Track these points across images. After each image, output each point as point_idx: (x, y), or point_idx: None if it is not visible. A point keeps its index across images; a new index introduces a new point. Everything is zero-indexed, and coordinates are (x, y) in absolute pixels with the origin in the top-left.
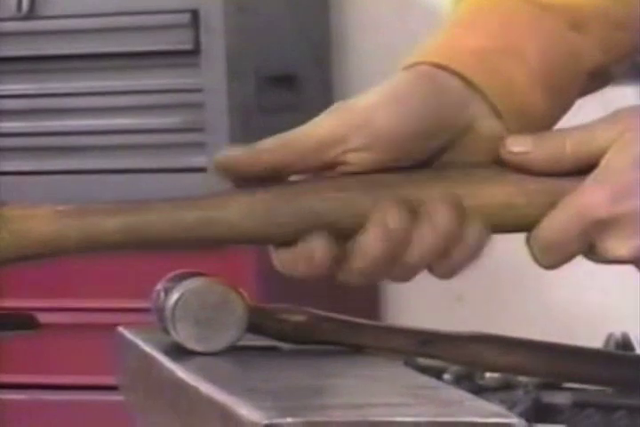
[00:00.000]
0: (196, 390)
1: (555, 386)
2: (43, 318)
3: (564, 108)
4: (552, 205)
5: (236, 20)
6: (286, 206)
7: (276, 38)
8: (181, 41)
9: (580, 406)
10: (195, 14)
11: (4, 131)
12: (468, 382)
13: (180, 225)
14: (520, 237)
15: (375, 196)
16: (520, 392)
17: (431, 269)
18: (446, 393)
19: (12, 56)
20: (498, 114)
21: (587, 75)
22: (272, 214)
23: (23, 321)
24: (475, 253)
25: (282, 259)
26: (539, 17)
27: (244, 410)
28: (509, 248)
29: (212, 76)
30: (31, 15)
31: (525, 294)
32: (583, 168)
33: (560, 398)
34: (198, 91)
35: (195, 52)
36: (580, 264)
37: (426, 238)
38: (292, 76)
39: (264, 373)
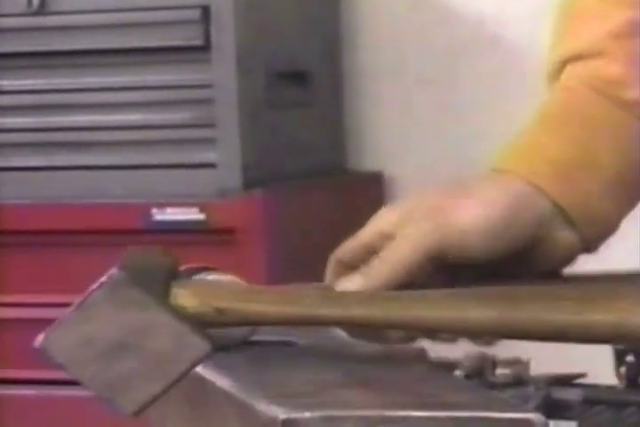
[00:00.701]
0: (213, 386)
1: (565, 382)
2: (43, 313)
3: (634, 205)
4: None
5: (246, 15)
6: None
7: (286, 34)
8: (192, 37)
9: (590, 402)
10: (205, 10)
11: (13, 126)
12: (479, 378)
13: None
14: None
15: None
16: (531, 388)
17: None
18: (463, 389)
19: (23, 51)
20: (573, 224)
21: None
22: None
23: None
24: None
25: None
26: (615, 116)
27: (262, 405)
28: None
29: (222, 71)
30: (41, 11)
31: None
32: None
33: (571, 395)
34: (208, 86)
35: (205, 47)
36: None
37: None
38: (303, 71)
39: (280, 368)
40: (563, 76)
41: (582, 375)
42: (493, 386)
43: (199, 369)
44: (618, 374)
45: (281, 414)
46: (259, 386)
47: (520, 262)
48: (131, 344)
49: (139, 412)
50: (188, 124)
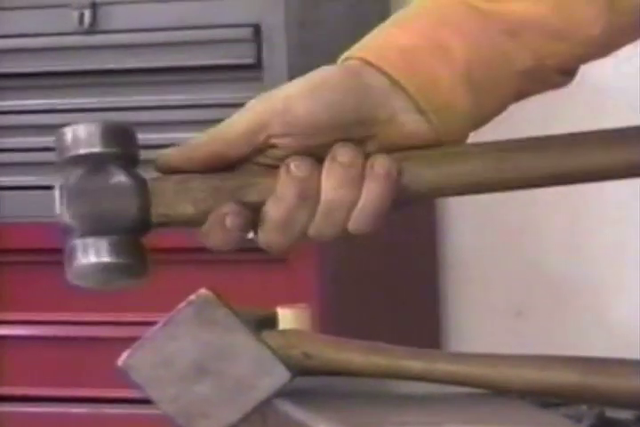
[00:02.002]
0: (274, 407)
1: None
2: (51, 331)
3: (495, 107)
4: None
5: (297, 34)
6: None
7: (336, 53)
8: (243, 55)
9: None
10: (256, 29)
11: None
12: (531, 396)
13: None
14: (580, 252)
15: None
16: (584, 407)
17: (351, 220)
18: (514, 408)
19: (75, 70)
20: (421, 110)
21: (518, 76)
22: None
23: None
24: (387, 185)
25: (201, 234)
26: (471, 19)
27: (322, 426)
28: (569, 263)
29: (273, 89)
30: (93, 29)
31: (585, 310)
32: None
33: (624, 414)
34: None
35: (257, 66)
36: None
37: (333, 173)
38: None
39: (338, 388)
40: None
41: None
42: (546, 405)
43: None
44: None
45: None
46: (319, 408)
47: (371, 141)
48: (211, 367)
49: None
50: None
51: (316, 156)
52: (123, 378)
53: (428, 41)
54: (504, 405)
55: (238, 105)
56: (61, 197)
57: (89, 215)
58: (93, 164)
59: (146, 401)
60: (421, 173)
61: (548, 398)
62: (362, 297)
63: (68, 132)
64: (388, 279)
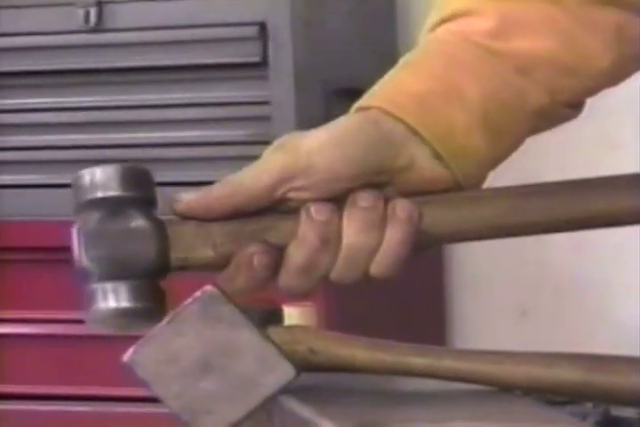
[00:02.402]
0: (279, 404)
1: None
2: (51, 329)
3: (511, 145)
4: None
5: (303, 32)
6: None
7: (343, 51)
8: (249, 53)
9: None
10: (262, 27)
11: (70, 143)
12: (537, 394)
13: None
14: (584, 252)
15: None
16: (589, 405)
17: (373, 264)
18: (520, 405)
19: (80, 69)
20: (438, 155)
21: (533, 115)
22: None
23: None
24: (409, 229)
25: (223, 279)
26: (483, 60)
27: (327, 424)
28: (573, 262)
29: (279, 88)
30: (98, 28)
31: (589, 309)
32: None
33: (628, 412)
34: (266, 103)
35: (262, 64)
36: None
37: (355, 218)
38: (360, 88)
39: (343, 385)
40: (435, 33)
41: None
42: (552, 403)
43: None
44: None
45: None
46: (324, 404)
47: (390, 187)
48: (216, 363)
49: None
50: (246, 142)
51: (336, 200)
52: (127, 375)
53: (441, 84)
54: (510, 402)
55: (244, 103)
56: (79, 240)
57: (107, 259)
58: (112, 207)
59: (148, 399)
60: (442, 217)
61: (553, 396)
62: (367, 296)
63: (86, 175)
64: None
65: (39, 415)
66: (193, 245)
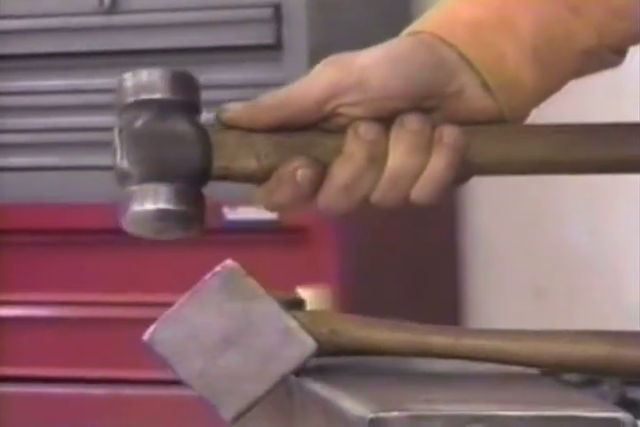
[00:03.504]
0: (298, 385)
1: (639, 382)
2: (61, 311)
3: (556, 84)
4: None
5: (318, 14)
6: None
7: (357, 32)
8: (263, 35)
9: None
10: (277, 8)
11: (88, 125)
12: (555, 377)
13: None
14: (599, 233)
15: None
16: (606, 387)
17: (415, 188)
18: (548, 388)
19: (95, 51)
20: (487, 86)
21: (581, 55)
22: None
23: None
24: (454, 155)
25: (264, 191)
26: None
27: (348, 404)
28: (588, 244)
29: (294, 70)
30: (113, 10)
31: (603, 290)
32: None
33: None
34: (280, 85)
35: (277, 46)
36: None
37: (402, 139)
38: None
39: (364, 367)
40: None
41: None
42: (568, 386)
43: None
44: None
45: (369, 413)
46: (344, 385)
47: (437, 113)
48: (237, 338)
49: (237, 418)
50: None
51: (384, 121)
52: (147, 355)
53: (495, 14)
54: (530, 383)
55: (259, 85)
56: (121, 141)
57: (150, 160)
58: (157, 109)
59: (160, 382)
60: (487, 149)
61: (577, 372)
62: (381, 278)
63: (132, 77)
64: (408, 260)
65: (51, 398)
66: (236, 154)
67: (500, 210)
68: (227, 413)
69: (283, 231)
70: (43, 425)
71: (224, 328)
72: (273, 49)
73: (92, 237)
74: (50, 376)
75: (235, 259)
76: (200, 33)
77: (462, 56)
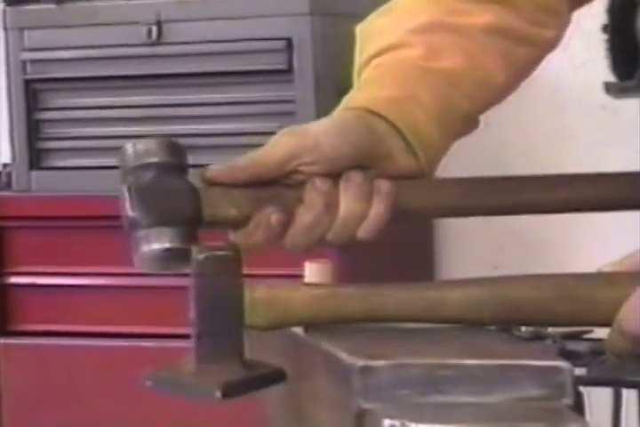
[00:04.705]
0: (304, 340)
1: (576, 337)
2: (116, 280)
3: (450, 143)
4: None
5: (321, 46)
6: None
7: (354, 60)
8: (278, 62)
9: (597, 352)
10: (289, 41)
11: (131, 134)
12: (508, 333)
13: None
14: (547, 216)
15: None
16: (549, 342)
17: (361, 229)
18: (506, 342)
19: (143, 74)
20: (409, 147)
21: (462, 120)
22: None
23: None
24: (389, 202)
25: (241, 235)
26: (425, 76)
27: (344, 355)
28: (538, 224)
29: (302, 90)
30: (158, 41)
31: (550, 264)
32: None
33: (581, 347)
34: (291, 102)
35: (288, 71)
36: (615, 240)
37: (349, 190)
38: None
39: (360, 328)
40: (371, 65)
41: (590, 331)
42: (519, 340)
43: (295, 329)
44: None
45: (360, 362)
46: (341, 339)
47: (372, 172)
48: None
49: None
50: (274, 132)
51: (333, 177)
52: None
53: (403, 93)
54: (493, 339)
55: (273, 102)
56: (130, 195)
57: (154, 209)
58: (157, 170)
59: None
60: (412, 197)
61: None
62: (371, 256)
63: (133, 146)
64: (391, 238)
65: (110, 349)
66: (220, 204)
67: None
68: None
69: None
70: (102, 371)
71: None
72: (285, 73)
73: None
74: (108, 332)
75: None
76: (227, 60)
77: (390, 123)
